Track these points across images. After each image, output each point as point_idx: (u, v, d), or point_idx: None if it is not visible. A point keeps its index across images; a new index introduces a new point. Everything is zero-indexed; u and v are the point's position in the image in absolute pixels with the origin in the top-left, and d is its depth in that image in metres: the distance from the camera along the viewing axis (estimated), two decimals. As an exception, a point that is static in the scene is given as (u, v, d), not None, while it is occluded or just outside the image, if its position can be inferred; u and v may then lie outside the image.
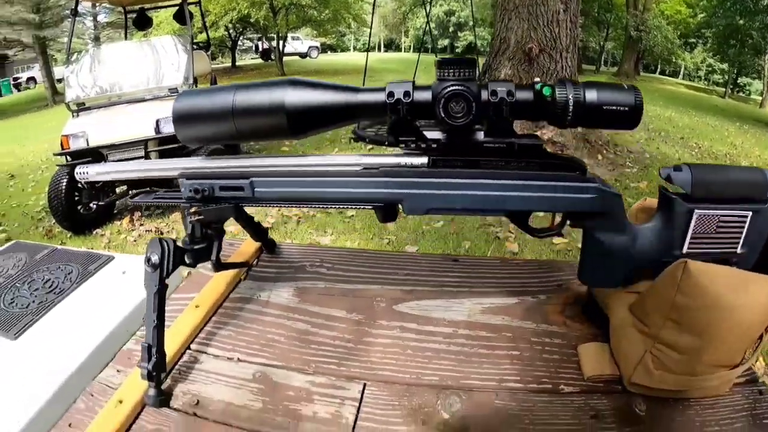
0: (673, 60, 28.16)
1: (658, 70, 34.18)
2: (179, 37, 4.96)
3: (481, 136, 0.66)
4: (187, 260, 0.77)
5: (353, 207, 0.71)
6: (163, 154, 4.20)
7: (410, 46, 43.21)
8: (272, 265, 1.04)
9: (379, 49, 43.80)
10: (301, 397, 0.74)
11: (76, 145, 4.12)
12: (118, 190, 4.43)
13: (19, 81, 23.99)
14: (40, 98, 17.47)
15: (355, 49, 40.98)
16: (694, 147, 8.57)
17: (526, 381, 0.76)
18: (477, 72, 0.63)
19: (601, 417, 0.70)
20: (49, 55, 18.56)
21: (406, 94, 0.61)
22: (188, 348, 0.84)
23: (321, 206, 0.72)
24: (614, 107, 0.61)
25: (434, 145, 0.67)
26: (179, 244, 0.76)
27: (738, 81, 29.50)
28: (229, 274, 0.96)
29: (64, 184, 3.99)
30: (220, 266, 0.83)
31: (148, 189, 0.92)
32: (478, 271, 1.01)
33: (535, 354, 0.81)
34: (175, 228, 4.15)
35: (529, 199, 0.67)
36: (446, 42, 42.71)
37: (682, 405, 0.72)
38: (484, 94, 0.61)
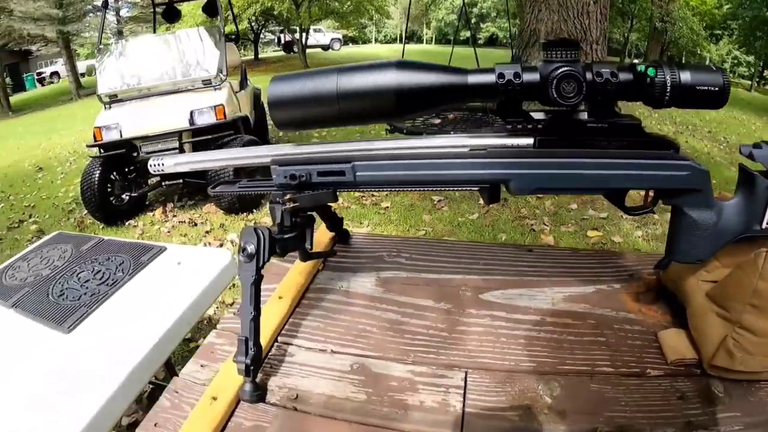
0: (698, 52, 27.79)
1: (683, 61, 33.72)
2: (209, 28, 4.98)
3: (584, 116, 0.68)
4: (277, 250, 0.77)
5: (460, 189, 0.72)
6: (196, 146, 4.25)
7: (432, 38, 42.99)
8: (349, 255, 1.05)
9: (401, 41, 43.65)
10: (404, 387, 0.74)
11: (109, 136, 4.18)
12: (151, 181, 4.51)
13: (42, 76, 24.35)
14: (65, 92, 17.70)
15: (376, 41, 40.91)
16: (722, 141, 8.52)
17: (616, 366, 0.77)
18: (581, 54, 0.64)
19: (686, 398, 0.72)
20: (73, 50, 18.74)
21: (516, 75, 0.63)
22: (276, 341, 0.84)
23: (427, 189, 0.73)
24: (706, 87, 0.63)
25: (540, 126, 0.69)
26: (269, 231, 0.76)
27: (764, 74, 28.98)
28: (308, 264, 0.96)
29: (97, 175, 4.06)
30: (307, 256, 0.85)
31: (227, 179, 0.92)
32: (553, 260, 1.03)
33: (620, 340, 0.82)
34: (209, 219, 4.21)
35: (630, 176, 0.69)
36: (468, 34, 42.44)
37: (755, 386, 0.74)
38: (589, 75, 0.63)
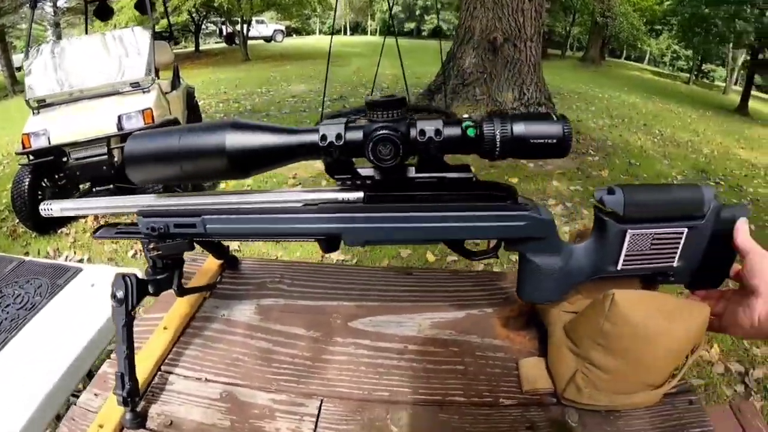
0: (639, 46, 28.60)
1: (624, 55, 34.66)
2: (139, 28, 4.88)
3: (412, 171, 0.70)
4: (150, 290, 0.81)
5: (298, 240, 0.76)
6: None
7: (377, 29, 43.04)
8: (235, 282, 1.08)
9: (345, 33, 43.53)
10: (264, 414, 0.78)
11: (37, 143, 4.08)
12: (82, 187, 4.41)
13: (-25, 70, 23.28)
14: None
15: (320, 32, 40.61)
16: (657, 134, 8.75)
17: (468, 395, 0.81)
18: (406, 110, 0.66)
19: (536, 428, 0.75)
20: (8, 43, 18.02)
21: (338, 136, 0.65)
22: (159, 370, 0.87)
23: (269, 240, 0.76)
24: (542, 140, 0.64)
25: (368, 182, 0.71)
26: (141, 276, 0.80)
27: (702, 68, 30.07)
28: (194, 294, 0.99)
29: (27, 183, 3.95)
30: (183, 292, 0.88)
31: (109, 223, 0.95)
32: (430, 284, 1.07)
33: (479, 368, 0.86)
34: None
35: (460, 229, 0.71)
36: (413, 25, 42.75)
37: (613, 416, 0.78)
38: (413, 133, 0.65)
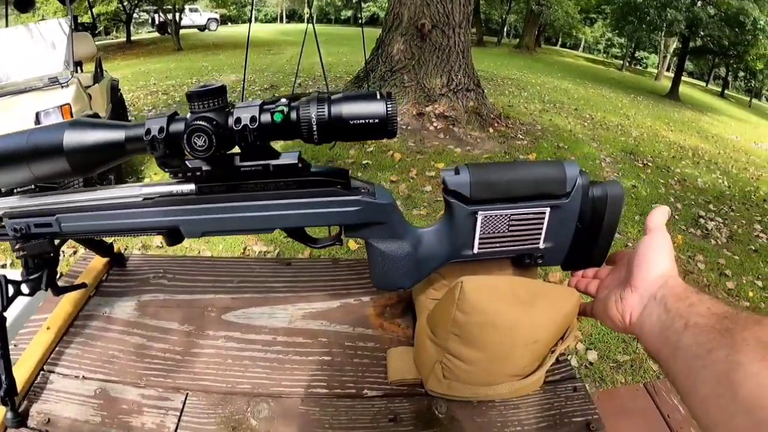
0: (574, 34, 29.24)
1: (559, 43, 35.40)
2: (60, 19, 4.68)
3: (237, 160, 0.69)
4: (25, 290, 0.81)
5: (142, 235, 0.77)
6: None
7: (313, 17, 42.63)
8: (120, 279, 1.08)
9: (281, 21, 42.94)
10: (132, 410, 0.80)
11: None
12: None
13: None
14: None
15: (256, 20, 39.99)
16: (587, 118, 8.98)
17: (332, 386, 0.84)
18: (227, 98, 0.66)
19: (399, 420, 0.77)
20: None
21: (161, 130, 0.63)
22: (41, 369, 0.88)
23: (118, 236, 0.78)
24: (363, 120, 0.61)
25: (198, 173, 0.70)
26: (12, 277, 0.80)
27: (635, 55, 30.99)
28: (78, 292, 0.99)
29: None
30: (59, 291, 0.88)
31: None
32: (309, 274, 1.09)
33: (346, 359, 0.88)
34: None
35: (291, 216, 0.70)
36: (350, 13, 42.54)
37: (485, 406, 0.79)
38: (230, 121, 0.63)
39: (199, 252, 3.14)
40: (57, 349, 0.92)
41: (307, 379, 0.85)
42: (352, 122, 0.61)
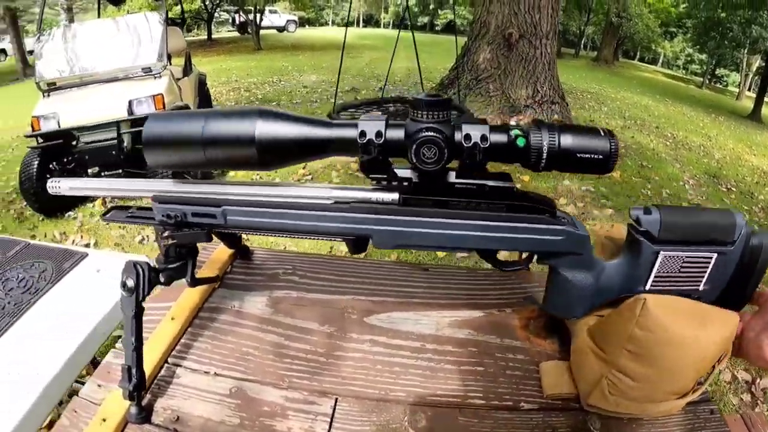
0: (653, 48, 28.52)
1: (637, 56, 34.50)
2: (152, 13, 4.85)
3: (452, 176, 0.67)
4: (161, 279, 0.78)
5: (323, 239, 0.72)
6: (137, 137, 4.16)
7: (389, 22, 43.07)
8: (246, 272, 1.04)
9: (358, 25, 43.60)
10: (275, 412, 0.75)
11: (47, 126, 4.06)
12: (90, 171, 4.35)
13: (-12, 53, 23.39)
14: (11, 71, 17.02)
15: (333, 23, 40.63)
16: (669, 137, 8.65)
17: (488, 398, 0.79)
18: (450, 112, 0.64)
19: None
20: (21, 27, 18.04)
21: (378, 134, 0.62)
22: (166, 362, 0.84)
23: (293, 236, 0.72)
24: (588, 155, 0.62)
25: (405, 183, 0.68)
26: (153, 264, 0.77)
27: (716, 72, 29.89)
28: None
29: (36, 166, 3.95)
30: (195, 282, 0.85)
31: (120, 206, 0.91)
32: (447, 281, 1.04)
33: (499, 370, 0.84)
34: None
35: (495, 239, 0.69)
36: (426, 20, 42.74)
37: (635, 423, 0.76)
38: (458, 136, 0.62)
39: (285, 247, 3.13)
40: (182, 341, 0.88)
41: (462, 389, 0.80)
42: (578, 155, 0.62)
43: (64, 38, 4.59)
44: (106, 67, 4.48)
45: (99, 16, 6.14)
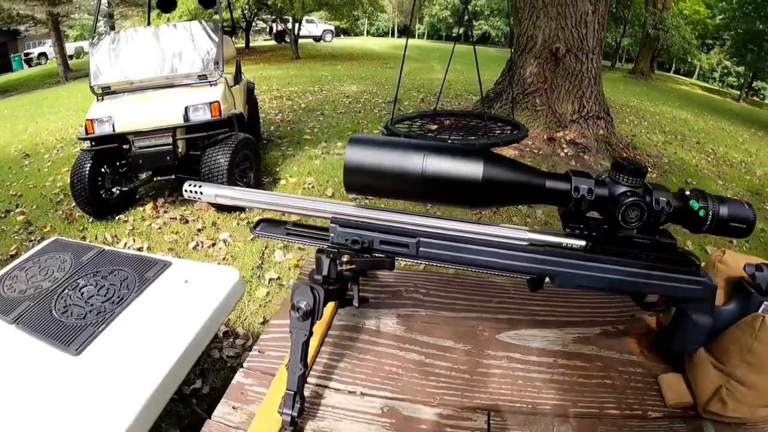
0: (689, 60, 28.14)
1: (673, 69, 34.03)
2: (207, 20, 4.92)
3: (633, 231, 0.76)
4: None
5: (507, 274, 0.77)
6: (191, 143, 4.26)
7: (424, 33, 43.11)
8: (368, 289, 1.07)
9: (393, 35, 43.68)
10: (433, 429, 0.78)
11: (101, 130, 4.07)
12: (141, 176, 4.44)
13: (30, 56, 24.02)
14: (52, 74, 17.44)
15: (368, 33, 40.80)
16: (710, 153, 8.59)
17: (621, 408, 0.85)
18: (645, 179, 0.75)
19: None
20: (62, 31, 18.46)
21: (590, 191, 0.71)
22: (306, 383, 0.85)
23: (480, 270, 0.76)
24: (736, 224, 0.74)
25: (594, 234, 0.77)
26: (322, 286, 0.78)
27: (753, 84, 29.39)
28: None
29: (88, 168, 4.01)
30: (345, 303, 0.89)
31: (269, 219, 0.86)
32: (560, 299, 1.09)
33: (624, 382, 0.90)
34: (201, 217, 4.16)
35: (658, 286, 0.79)
36: (461, 30, 42.71)
37: (742, 428, 0.84)
38: (648, 199, 0.72)
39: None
40: (319, 360, 0.90)
41: (597, 400, 0.86)
42: (731, 224, 0.74)
43: (119, 43, 4.64)
44: (162, 73, 4.53)
45: (149, 23, 6.21)
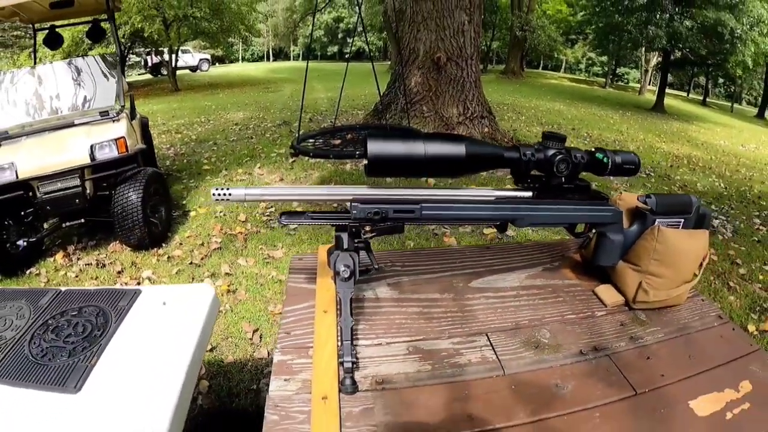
0: (555, 56, 30.04)
1: (541, 65, 36.17)
2: (103, 55, 4.71)
3: (561, 180, 1.07)
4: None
5: (482, 224, 1.05)
6: (98, 183, 4.09)
7: (299, 54, 43.27)
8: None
9: (268, 59, 43.45)
10: (452, 353, 1.02)
11: (2, 178, 3.72)
12: (46, 225, 4.21)
13: None
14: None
15: (243, 59, 40.38)
16: (586, 136, 9.42)
17: (576, 312, 1.18)
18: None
19: (625, 324, 1.14)
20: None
21: (533, 155, 1.02)
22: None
23: (465, 223, 1.01)
24: (628, 166, 1.07)
25: (536, 185, 1.08)
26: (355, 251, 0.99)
27: (617, 71, 31.79)
28: (328, 279, 1.15)
29: None
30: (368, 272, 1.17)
31: (290, 211, 0.99)
32: (507, 253, 1.42)
33: (572, 298, 1.23)
34: (118, 259, 4.01)
35: (582, 216, 1.13)
36: (335, 48, 43.28)
37: (664, 311, 1.20)
38: (571, 157, 1.04)
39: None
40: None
41: (558, 311, 1.18)
42: (625, 166, 1.07)
43: (12, 84, 4.41)
44: (61, 112, 4.30)
45: (35, 60, 5.86)
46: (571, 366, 1.00)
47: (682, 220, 1.18)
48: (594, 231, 1.18)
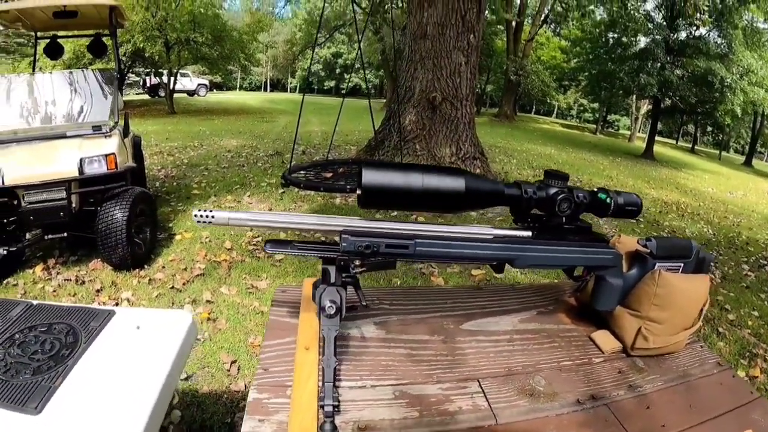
0: (548, 101, 30.52)
1: (533, 110, 36.73)
2: (102, 70, 4.72)
3: (562, 220, 1.05)
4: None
5: (480, 263, 0.99)
6: (84, 198, 4.03)
7: (296, 87, 43.72)
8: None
9: (266, 89, 43.84)
10: (441, 400, 0.95)
11: None
12: (28, 235, 4.11)
13: None
14: None
15: (240, 87, 40.71)
16: (576, 181, 9.45)
17: (572, 359, 1.13)
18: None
19: (623, 372, 1.10)
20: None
21: (534, 193, 0.99)
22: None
23: (462, 262, 0.97)
24: (630, 207, 1.06)
25: (536, 225, 1.04)
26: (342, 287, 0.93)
27: (607, 118, 32.37)
28: (312, 315, 1.08)
29: None
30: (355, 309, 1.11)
31: (275, 239, 0.92)
32: (501, 295, 1.37)
33: (568, 343, 1.18)
34: (98, 277, 3.94)
35: (582, 259, 1.08)
36: (332, 83, 43.74)
37: (663, 358, 1.17)
38: (572, 197, 1.01)
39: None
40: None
41: (554, 357, 1.13)
42: (627, 207, 1.06)
43: (8, 90, 4.33)
44: (55, 123, 4.25)
45: (34, 71, 5.71)
46: (568, 416, 0.95)
47: (682, 264, 1.15)
48: (592, 274, 1.15)
